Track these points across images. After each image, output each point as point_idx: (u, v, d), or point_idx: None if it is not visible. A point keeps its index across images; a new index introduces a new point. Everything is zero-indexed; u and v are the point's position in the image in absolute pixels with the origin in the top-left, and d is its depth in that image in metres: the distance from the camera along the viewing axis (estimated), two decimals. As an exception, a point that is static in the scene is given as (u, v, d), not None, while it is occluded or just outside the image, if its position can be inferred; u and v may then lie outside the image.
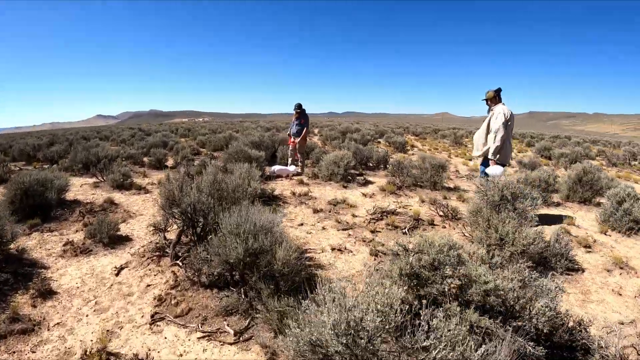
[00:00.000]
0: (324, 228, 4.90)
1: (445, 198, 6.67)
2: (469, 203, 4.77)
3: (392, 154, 10.98)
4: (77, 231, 4.85)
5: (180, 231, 3.57)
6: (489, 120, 5.46)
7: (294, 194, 6.44)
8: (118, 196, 6.53)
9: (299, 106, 8.68)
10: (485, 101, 5.62)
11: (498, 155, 5.36)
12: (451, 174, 9.14)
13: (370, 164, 9.81)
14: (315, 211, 5.53)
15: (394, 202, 6.38)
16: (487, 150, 5.46)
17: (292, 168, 7.98)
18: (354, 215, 5.43)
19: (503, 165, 5.44)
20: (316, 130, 23.13)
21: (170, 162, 10.24)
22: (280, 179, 7.92)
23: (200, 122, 68.44)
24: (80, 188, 7.21)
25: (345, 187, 7.29)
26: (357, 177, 8.05)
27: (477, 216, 4.63)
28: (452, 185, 7.91)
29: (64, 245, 4.34)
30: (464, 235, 4.85)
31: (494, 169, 5.33)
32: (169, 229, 4.00)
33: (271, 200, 5.99)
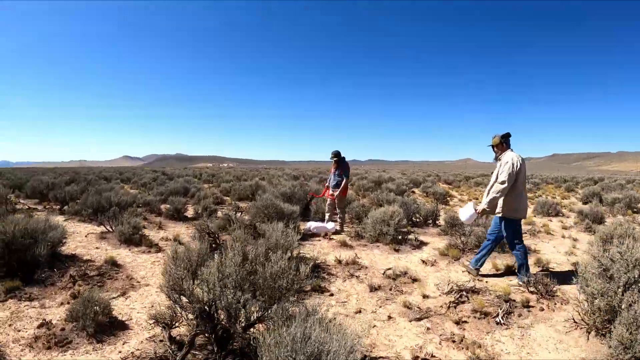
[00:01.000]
0: (390, 317, 3.51)
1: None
2: (581, 282, 3.39)
3: (440, 208, 9.62)
4: (62, 304, 3.73)
5: (193, 336, 2.31)
6: (498, 171, 4.68)
7: (339, 261, 5.09)
8: (124, 254, 5.42)
9: (336, 154, 7.49)
10: (491, 147, 4.87)
11: (488, 206, 4.61)
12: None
13: (417, 220, 8.45)
14: (372, 289, 4.15)
15: (464, 271, 4.99)
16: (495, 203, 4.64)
17: (330, 225, 6.75)
18: (424, 296, 4.02)
19: (520, 220, 4.67)
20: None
21: (190, 212, 9.15)
22: (317, 238, 6.64)
23: (225, 167, 69.13)
24: (85, 238, 6.23)
25: (396, 250, 5.92)
26: (408, 237, 6.68)
27: (600, 300, 3.23)
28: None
29: (39, 327, 3.22)
30: (575, 322, 3.42)
31: (466, 212, 4.89)
32: (176, 324, 2.73)
33: (312, 271, 4.67)
